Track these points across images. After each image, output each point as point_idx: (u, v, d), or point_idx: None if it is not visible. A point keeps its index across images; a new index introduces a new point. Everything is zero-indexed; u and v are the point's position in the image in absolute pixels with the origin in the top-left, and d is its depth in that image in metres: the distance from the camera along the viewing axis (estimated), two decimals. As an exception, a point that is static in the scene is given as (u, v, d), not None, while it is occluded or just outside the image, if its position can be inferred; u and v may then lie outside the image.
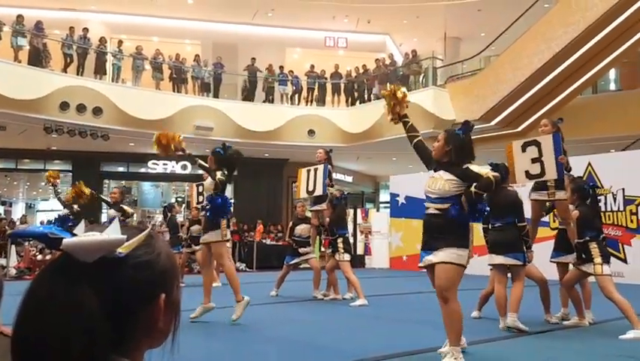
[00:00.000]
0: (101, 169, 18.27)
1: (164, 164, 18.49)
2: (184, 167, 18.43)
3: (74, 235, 0.74)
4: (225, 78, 17.09)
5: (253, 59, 17.27)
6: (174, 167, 18.58)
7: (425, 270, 3.98)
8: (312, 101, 17.61)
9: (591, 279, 5.38)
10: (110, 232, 0.76)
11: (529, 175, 5.64)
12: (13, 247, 12.03)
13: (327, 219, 7.70)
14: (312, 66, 18.01)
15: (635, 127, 13.23)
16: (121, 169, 19.22)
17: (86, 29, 15.19)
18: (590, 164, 10.86)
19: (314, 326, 5.72)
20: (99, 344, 0.71)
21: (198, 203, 9.26)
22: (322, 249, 12.05)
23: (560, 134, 5.62)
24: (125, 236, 0.75)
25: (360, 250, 16.27)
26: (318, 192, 7.55)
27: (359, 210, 17.45)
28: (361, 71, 17.65)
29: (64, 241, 0.73)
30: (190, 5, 17.86)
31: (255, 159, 16.55)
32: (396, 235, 14.99)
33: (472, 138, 4.08)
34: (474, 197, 3.78)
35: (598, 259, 5.03)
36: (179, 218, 13.34)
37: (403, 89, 4.39)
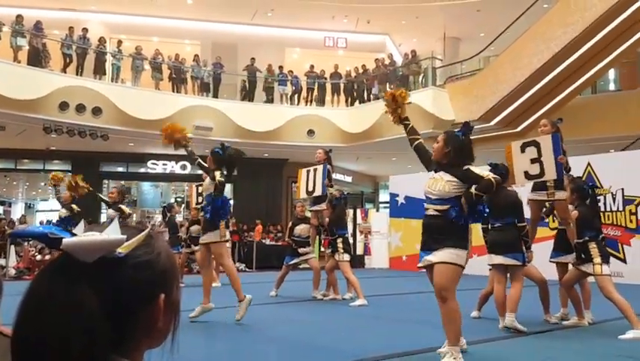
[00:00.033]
0: (101, 169, 18.26)
1: (163, 164, 18.49)
2: (183, 167, 18.43)
3: (74, 234, 0.75)
4: (225, 78, 17.09)
5: (253, 59, 17.26)
6: (174, 167, 18.57)
7: (424, 270, 3.98)
8: (311, 101, 17.62)
9: (590, 279, 5.38)
10: (109, 231, 0.76)
11: (528, 176, 5.64)
12: (12, 247, 12.03)
13: (327, 220, 7.70)
14: (312, 66, 18.01)
15: (635, 127, 13.24)
16: (120, 169, 19.21)
17: (85, 29, 15.19)
18: (589, 164, 10.86)
19: (313, 326, 5.72)
20: (99, 344, 0.71)
21: (198, 203, 9.25)
22: (322, 249, 12.07)
23: (559, 135, 5.62)
24: (124, 236, 0.76)
25: (359, 250, 16.26)
26: (318, 192, 7.55)
27: (359, 211, 17.45)
28: (361, 71, 17.65)
29: (64, 240, 0.73)
30: (189, 5, 17.86)
31: (255, 159, 16.56)
32: (395, 235, 14.99)
33: (472, 138, 4.09)
34: (474, 198, 3.79)
35: (597, 259, 5.04)
36: (179, 218, 13.35)
37: (405, 92, 4.42)
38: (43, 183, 21.71)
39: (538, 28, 12.97)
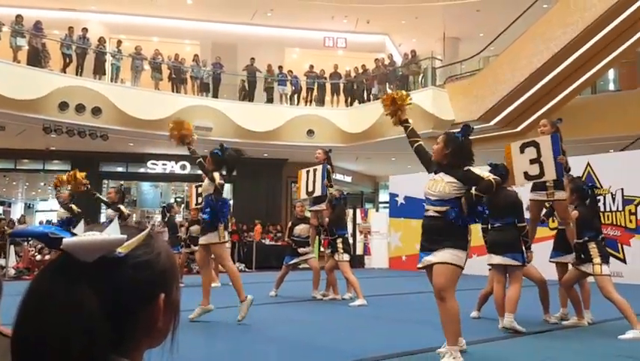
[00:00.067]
0: (100, 169, 18.25)
1: (163, 164, 18.50)
2: (183, 167, 18.43)
3: (74, 234, 0.75)
4: (224, 78, 17.09)
5: (252, 59, 17.26)
6: (173, 167, 18.58)
7: (424, 270, 3.99)
8: (311, 102, 17.62)
9: (590, 279, 5.38)
10: (109, 231, 0.76)
11: (528, 176, 5.64)
12: (12, 247, 12.03)
13: (327, 220, 7.70)
14: (312, 66, 18.01)
15: (634, 127, 13.25)
16: (120, 169, 19.21)
17: (85, 29, 15.18)
18: (589, 164, 10.87)
19: (313, 326, 5.72)
20: (99, 344, 0.71)
21: (197, 204, 9.25)
22: (321, 249, 12.08)
23: (558, 135, 5.62)
24: (125, 236, 0.76)
25: (359, 250, 16.27)
26: (317, 192, 7.56)
27: (358, 211, 17.45)
28: (360, 71, 17.66)
29: (65, 240, 0.73)
30: (189, 5, 17.86)
31: (254, 159, 16.54)
32: (395, 235, 14.99)
33: (471, 138, 4.10)
34: (474, 199, 3.80)
35: (597, 259, 5.04)
36: (178, 218, 13.35)
37: (406, 94, 4.42)
38: (42, 183, 21.71)
39: (537, 29, 12.97)
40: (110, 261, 0.74)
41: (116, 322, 0.73)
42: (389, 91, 15.17)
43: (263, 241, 16.33)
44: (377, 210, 20.76)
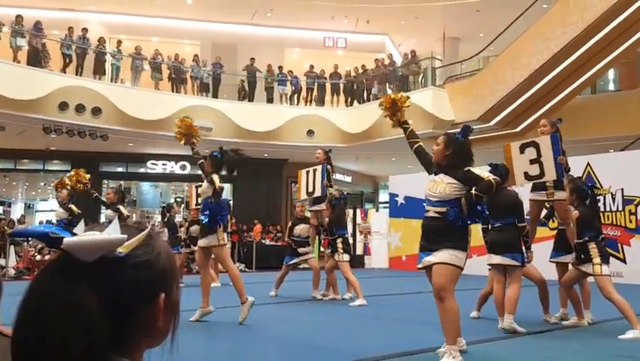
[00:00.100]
0: (100, 169, 18.24)
1: (163, 164, 18.50)
2: (183, 167, 18.43)
3: (74, 234, 0.75)
4: (224, 78, 17.09)
5: (252, 59, 17.26)
6: (173, 167, 18.58)
7: (424, 270, 3.99)
8: (311, 102, 17.62)
9: (590, 279, 5.38)
10: (110, 231, 0.76)
11: (528, 176, 5.64)
12: (12, 247, 12.03)
13: (327, 220, 7.70)
14: (312, 66, 18.01)
15: (634, 127, 13.25)
16: (120, 169, 19.20)
17: (85, 29, 15.18)
18: (589, 164, 10.87)
19: (313, 326, 5.72)
20: (99, 344, 0.71)
21: (197, 204, 9.24)
22: (321, 249, 12.07)
23: (558, 135, 5.62)
24: (125, 235, 0.76)
25: (359, 250, 16.27)
26: (317, 192, 7.56)
27: (358, 211, 17.45)
28: (360, 71, 17.65)
29: (65, 240, 0.73)
30: (189, 5, 17.86)
31: (254, 159, 16.53)
32: (395, 235, 14.99)
33: (471, 138, 4.11)
34: (474, 199, 3.80)
35: (597, 260, 5.04)
36: (178, 218, 13.34)
37: (405, 96, 4.43)
38: (42, 183, 21.71)
39: (537, 29, 12.98)
40: (110, 261, 0.74)
41: (116, 322, 0.73)
42: (389, 91, 15.23)
43: (263, 241, 16.33)
44: (377, 211, 20.77)
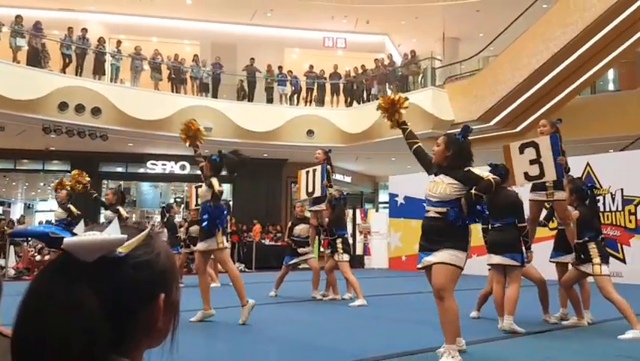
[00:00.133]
0: (100, 169, 18.24)
1: (162, 164, 18.49)
2: (183, 167, 18.43)
3: (75, 234, 0.75)
4: (224, 78, 17.09)
5: (252, 59, 17.26)
6: (173, 167, 18.57)
7: (423, 270, 4.00)
8: (311, 102, 17.62)
9: (590, 279, 5.38)
10: (110, 231, 0.76)
11: (528, 177, 5.64)
12: (11, 247, 12.02)
13: (326, 220, 7.70)
14: (311, 66, 18.01)
15: (634, 127, 13.25)
16: (119, 169, 19.20)
17: (84, 29, 15.18)
18: (588, 164, 10.87)
19: (313, 326, 5.72)
20: (99, 344, 0.71)
21: (197, 204, 9.23)
22: (321, 249, 12.07)
23: (558, 135, 5.62)
24: (125, 236, 0.76)
25: (359, 251, 16.27)
26: (317, 193, 7.56)
27: (358, 211, 17.45)
28: (360, 71, 17.65)
29: (65, 240, 0.73)
30: (189, 5, 17.86)
31: (254, 159, 16.45)
32: (395, 236, 14.99)
33: (471, 138, 4.12)
34: (474, 199, 3.80)
35: (597, 260, 5.04)
36: (178, 219, 13.34)
37: (404, 97, 4.43)
38: (42, 184, 21.70)
39: (537, 29, 12.98)
40: (110, 261, 0.74)
41: (116, 322, 0.73)
42: (389, 91, 15.23)
43: (263, 241, 16.33)
44: (377, 211, 20.76)
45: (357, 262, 14.44)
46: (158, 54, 16.40)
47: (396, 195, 15.03)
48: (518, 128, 14.83)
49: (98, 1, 17.51)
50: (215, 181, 5.62)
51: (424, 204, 4.01)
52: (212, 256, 6.04)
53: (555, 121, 5.95)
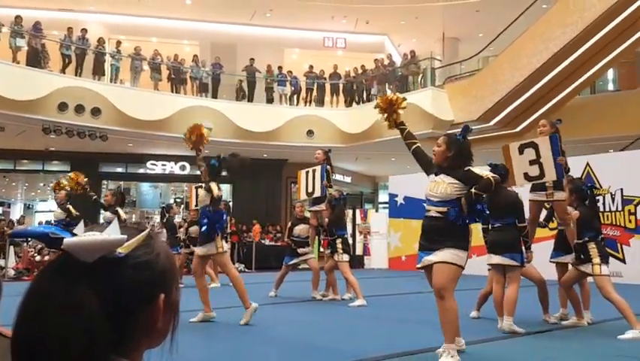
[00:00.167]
0: (100, 170, 18.24)
1: (162, 165, 18.49)
2: (182, 168, 18.43)
3: (75, 234, 0.75)
4: (224, 79, 17.08)
5: (252, 59, 17.26)
6: (173, 168, 18.57)
7: (423, 270, 4.00)
8: (310, 102, 17.62)
9: (590, 279, 5.39)
10: (110, 232, 0.76)
11: (528, 177, 5.65)
12: (11, 247, 12.02)
13: (326, 220, 7.70)
14: (311, 66, 18.01)
15: (634, 127, 13.25)
16: (119, 170, 19.20)
17: (84, 30, 15.18)
18: (588, 164, 10.87)
19: (313, 326, 5.72)
20: (99, 345, 0.71)
21: (197, 205, 9.22)
22: (321, 249, 12.07)
23: (557, 135, 5.62)
24: (125, 236, 0.76)
25: (359, 251, 16.26)
26: (317, 193, 7.56)
27: (358, 211, 17.44)
28: (360, 71, 17.65)
29: (65, 240, 0.73)
30: (188, 6, 17.86)
31: (254, 159, 16.42)
32: (395, 236, 14.99)
33: (471, 138, 4.14)
34: (474, 198, 3.81)
35: (596, 260, 5.04)
36: (177, 219, 13.33)
37: (402, 98, 4.43)
38: (42, 184, 21.70)
39: (537, 29, 12.98)
40: (110, 261, 0.74)
41: (116, 322, 0.73)
42: (388, 91, 15.21)
43: (262, 241, 16.33)
44: (377, 211, 20.75)
45: (357, 262, 14.44)
46: (157, 54, 16.40)
47: (396, 196, 15.03)
48: (518, 129, 14.83)
49: (98, 2, 17.51)
50: (213, 186, 5.61)
51: (424, 204, 4.01)
52: (211, 257, 6.04)
53: (555, 121, 5.95)
